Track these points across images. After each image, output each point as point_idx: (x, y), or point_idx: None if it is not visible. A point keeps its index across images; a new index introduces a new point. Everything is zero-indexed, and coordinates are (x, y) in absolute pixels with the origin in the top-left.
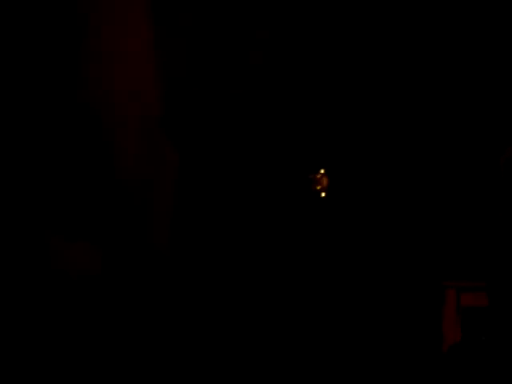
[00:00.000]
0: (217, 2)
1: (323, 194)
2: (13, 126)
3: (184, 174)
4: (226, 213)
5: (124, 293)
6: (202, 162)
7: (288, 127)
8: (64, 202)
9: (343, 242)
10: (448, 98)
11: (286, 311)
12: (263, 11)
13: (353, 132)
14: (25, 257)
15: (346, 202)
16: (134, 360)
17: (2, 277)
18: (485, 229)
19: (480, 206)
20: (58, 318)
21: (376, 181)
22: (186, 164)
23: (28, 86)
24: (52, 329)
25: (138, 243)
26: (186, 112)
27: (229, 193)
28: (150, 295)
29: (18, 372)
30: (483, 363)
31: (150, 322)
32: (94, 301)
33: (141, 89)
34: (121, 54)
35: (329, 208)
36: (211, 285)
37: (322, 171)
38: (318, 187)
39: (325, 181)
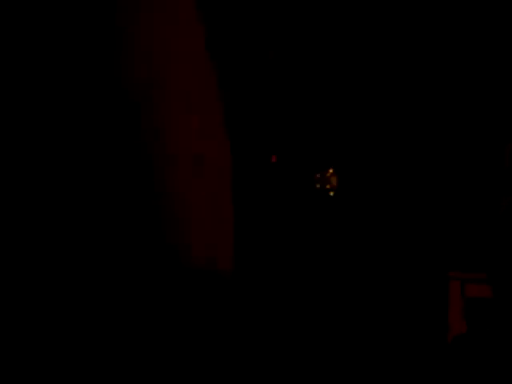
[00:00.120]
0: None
1: (332, 194)
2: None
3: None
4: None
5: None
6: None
7: (297, 125)
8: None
9: (350, 234)
10: (454, 94)
11: (295, 310)
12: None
13: (362, 130)
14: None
15: (354, 198)
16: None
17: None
18: (489, 220)
19: (484, 197)
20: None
21: (381, 174)
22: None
23: (78, 86)
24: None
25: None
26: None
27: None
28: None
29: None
30: (489, 354)
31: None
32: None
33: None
34: (172, 54)
35: (338, 206)
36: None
37: (331, 170)
38: (328, 186)
39: (334, 180)
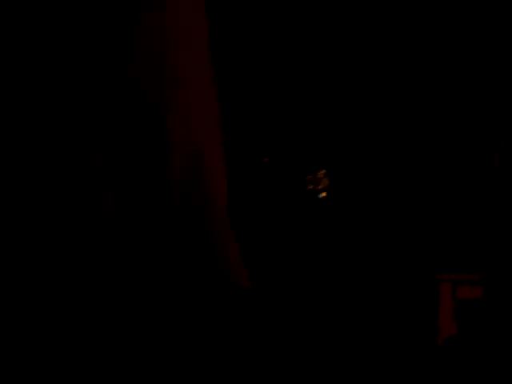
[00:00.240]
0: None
1: (324, 194)
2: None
3: None
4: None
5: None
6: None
7: (288, 127)
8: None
9: (341, 236)
10: (447, 95)
11: (288, 311)
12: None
13: (354, 132)
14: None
15: (346, 200)
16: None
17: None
18: (481, 222)
19: (475, 199)
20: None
21: (372, 176)
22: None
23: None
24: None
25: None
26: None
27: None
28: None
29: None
30: (480, 356)
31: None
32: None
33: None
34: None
35: (329, 208)
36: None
37: (323, 171)
38: (320, 187)
39: (325, 181)
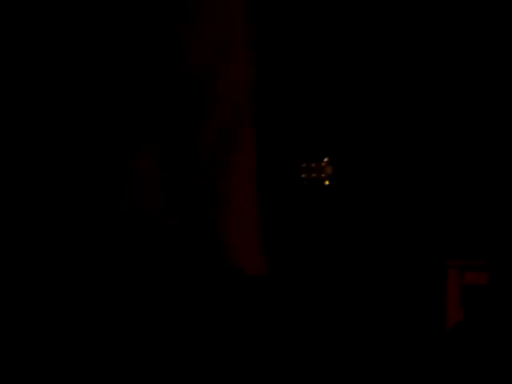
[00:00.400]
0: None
1: (327, 182)
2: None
3: None
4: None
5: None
6: None
7: (292, 116)
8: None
9: (347, 225)
10: (451, 89)
11: (290, 301)
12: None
13: (357, 120)
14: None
15: (349, 189)
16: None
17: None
18: (487, 208)
19: (482, 185)
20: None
21: (377, 163)
22: None
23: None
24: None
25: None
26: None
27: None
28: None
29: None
30: (486, 341)
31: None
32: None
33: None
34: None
35: (333, 196)
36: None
37: (326, 159)
38: (323, 175)
39: (329, 169)
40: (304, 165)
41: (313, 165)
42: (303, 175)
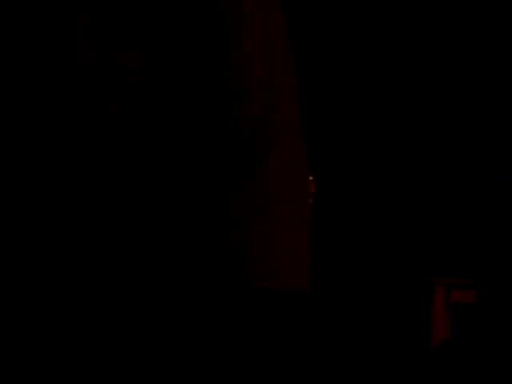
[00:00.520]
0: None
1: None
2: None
3: None
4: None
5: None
6: None
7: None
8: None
9: (334, 239)
10: (438, 100)
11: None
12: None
13: (342, 137)
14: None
15: (333, 206)
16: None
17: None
18: (475, 226)
19: (470, 204)
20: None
21: (362, 180)
22: None
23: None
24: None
25: None
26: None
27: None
28: None
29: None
30: (473, 360)
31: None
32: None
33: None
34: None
35: (316, 213)
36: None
37: (311, 178)
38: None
39: (312, 187)
40: None
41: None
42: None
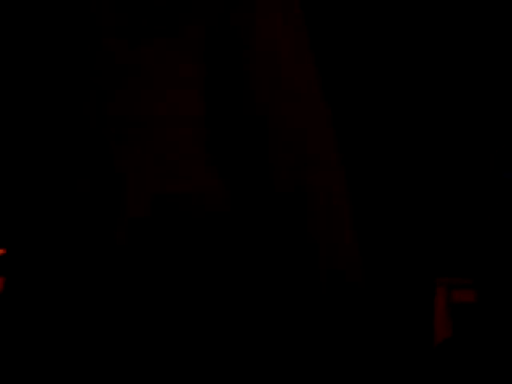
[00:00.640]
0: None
1: None
2: None
3: None
4: None
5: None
6: None
7: None
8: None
9: None
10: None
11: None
12: None
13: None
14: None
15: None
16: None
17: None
18: (475, 225)
19: (470, 203)
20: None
21: (364, 178)
22: None
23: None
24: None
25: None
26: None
27: None
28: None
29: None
30: (474, 359)
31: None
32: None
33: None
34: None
35: None
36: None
37: None
38: None
39: None
40: None
41: None
42: None
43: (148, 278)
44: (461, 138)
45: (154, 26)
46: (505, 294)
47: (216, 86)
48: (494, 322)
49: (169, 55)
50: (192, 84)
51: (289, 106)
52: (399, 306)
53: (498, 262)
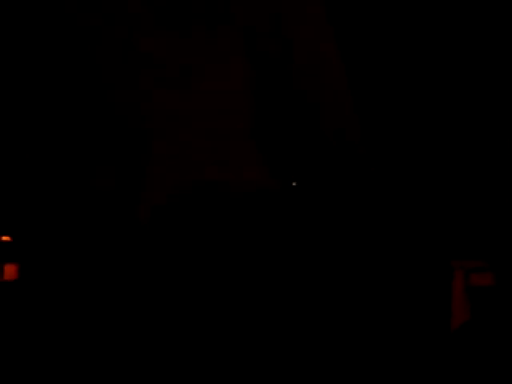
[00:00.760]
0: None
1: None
2: None
3: None
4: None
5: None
6: None
7: None
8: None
9: (350, 226)
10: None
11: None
12: None
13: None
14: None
15: (354, 190)
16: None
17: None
18: (492, 208)
19: (486, 188)
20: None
21: (383, 166)
22: None
23: None
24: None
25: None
26: None
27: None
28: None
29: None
30: (492, 343)
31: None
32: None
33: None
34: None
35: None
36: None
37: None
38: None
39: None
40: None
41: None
42: None
43: (165, 254)
44: (478, 126)
45: (193, 23)
46: None
47: (263, 80)
48: None
49: (210, 50)
50: (236, 78)
51: (330, 97)
52: (416, 289)
53: None
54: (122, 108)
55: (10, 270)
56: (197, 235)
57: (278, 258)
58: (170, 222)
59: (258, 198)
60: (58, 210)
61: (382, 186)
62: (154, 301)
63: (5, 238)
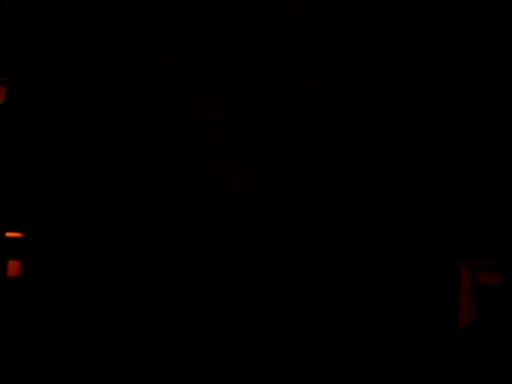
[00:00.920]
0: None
1: None
2: None
3: None
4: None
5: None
6: None
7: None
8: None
9: (361, 225)
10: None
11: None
12: None
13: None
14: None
15: (363, 189)
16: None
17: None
18: (500, 207)
19: (494, 187)
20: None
21: (389, 165)
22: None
23: None
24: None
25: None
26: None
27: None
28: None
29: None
30: (499, 341)
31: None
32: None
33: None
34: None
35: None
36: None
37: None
38: None
39: None
40: None
41: None
42: None
43: (176, 253)
44: (485, 124)
45: (200, 41)
46: None
47: (258, 90)
48: None
49: (215, 66)
50: (235, 89)
51: None
52: (424, 288)
53: None
54: (140, 118)
55: (14, 267)
56: (203, 238)
57: (279, 262)
58: (180, 224)
59: (260, 208)
60: (66, 209)
61: (386, 184)
62: (154, 300)
63: (9, 234)
